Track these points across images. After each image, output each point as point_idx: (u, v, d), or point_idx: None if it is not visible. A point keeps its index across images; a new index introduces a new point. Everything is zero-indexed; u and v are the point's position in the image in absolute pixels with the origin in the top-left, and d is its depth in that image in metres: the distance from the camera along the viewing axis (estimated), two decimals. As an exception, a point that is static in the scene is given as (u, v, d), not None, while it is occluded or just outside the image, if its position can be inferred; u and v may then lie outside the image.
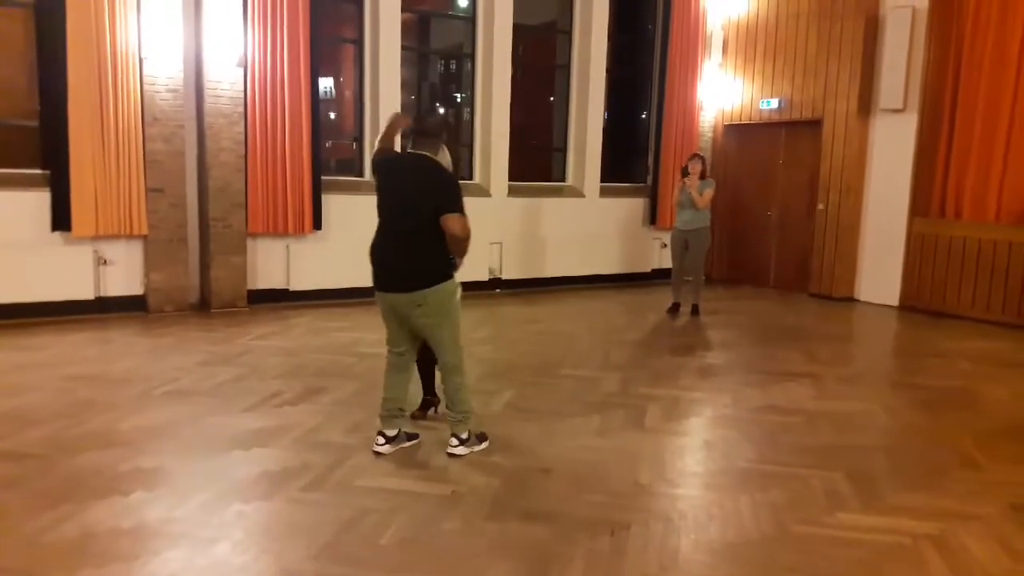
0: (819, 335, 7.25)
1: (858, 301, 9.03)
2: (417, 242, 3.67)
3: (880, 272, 8.88)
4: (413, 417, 4.31)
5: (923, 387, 5.50)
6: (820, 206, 9.29)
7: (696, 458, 4.09)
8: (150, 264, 7.10)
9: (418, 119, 3.98)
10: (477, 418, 4.13)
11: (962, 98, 8.16)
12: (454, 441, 3.88)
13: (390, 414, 3.92)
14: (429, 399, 4.48)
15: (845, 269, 9.12)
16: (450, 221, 3.60)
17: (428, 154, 3.73)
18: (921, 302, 8.50)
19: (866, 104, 8.85)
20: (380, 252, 3.78)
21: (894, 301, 8.74)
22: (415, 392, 4.26)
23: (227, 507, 3.21)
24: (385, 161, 3.86)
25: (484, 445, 3.96)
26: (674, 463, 4.00)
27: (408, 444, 3.98)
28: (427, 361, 4.27)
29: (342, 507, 3.22)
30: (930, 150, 8.43)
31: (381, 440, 3.89)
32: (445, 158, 3.85)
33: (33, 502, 3.16)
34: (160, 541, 2.90)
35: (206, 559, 2.78)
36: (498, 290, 8.97)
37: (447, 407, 3.96)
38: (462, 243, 3.68)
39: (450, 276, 3.77)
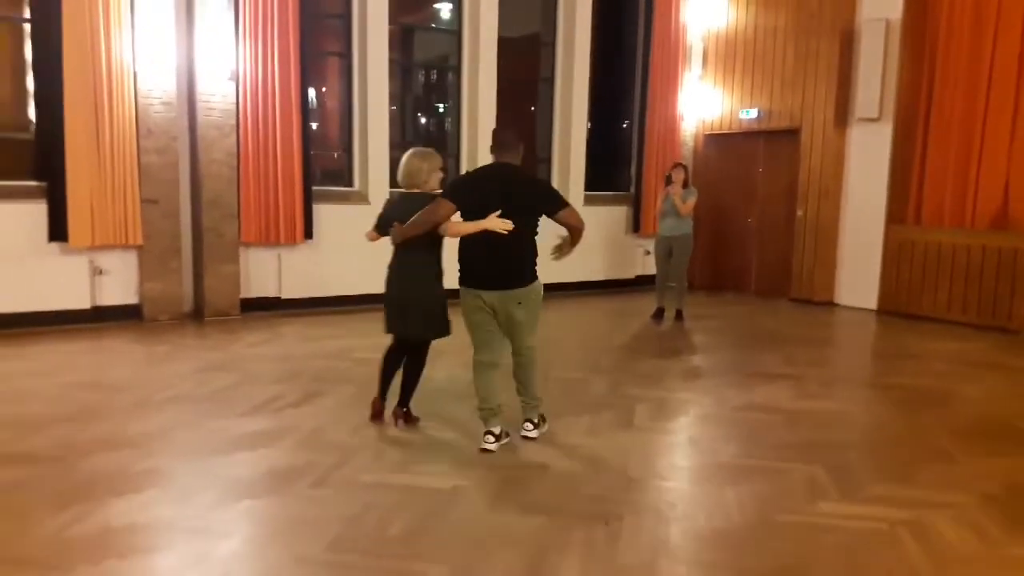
0: (799, 339, 7.49)
1: (837, 305, 9.30)
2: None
3: (858, 277, 9.15)
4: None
5: (899, 387, 5.73)
6: (799, 213, 9.56)
7: (683, 454, 4.28)
8: (145, 274, 7.20)
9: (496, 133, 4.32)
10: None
11: (936, 106, 8.47)
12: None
13: (491, 413, 4.11)
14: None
15: (824, 274, 9.39)
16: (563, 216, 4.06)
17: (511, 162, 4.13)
18: (899, 306, 8.77)
19: (842, 114, 9.14)
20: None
21: (872, 305, 9.01)
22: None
23: (237, 503, 3.34)
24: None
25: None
26: (662, 459, 4.19)
27: (505, 440, 4.15)
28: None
29: (349, 502, 3.37)
30: (905, 158, 8.73)
31: (491, 439, 4.08)
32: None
33: (52, 501, 3.28)
34: (176, 535, 3.04)
35: (223, 550, 2.92)
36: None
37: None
38: (580, 232, 4.13)
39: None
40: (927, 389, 5.64)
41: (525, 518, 3.28)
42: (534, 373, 4.25)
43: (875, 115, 8.81)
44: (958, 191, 8.30)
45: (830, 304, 9.33)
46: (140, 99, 7.03)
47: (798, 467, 3.97)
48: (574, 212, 4.10)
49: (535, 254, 4.10)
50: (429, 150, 4.39)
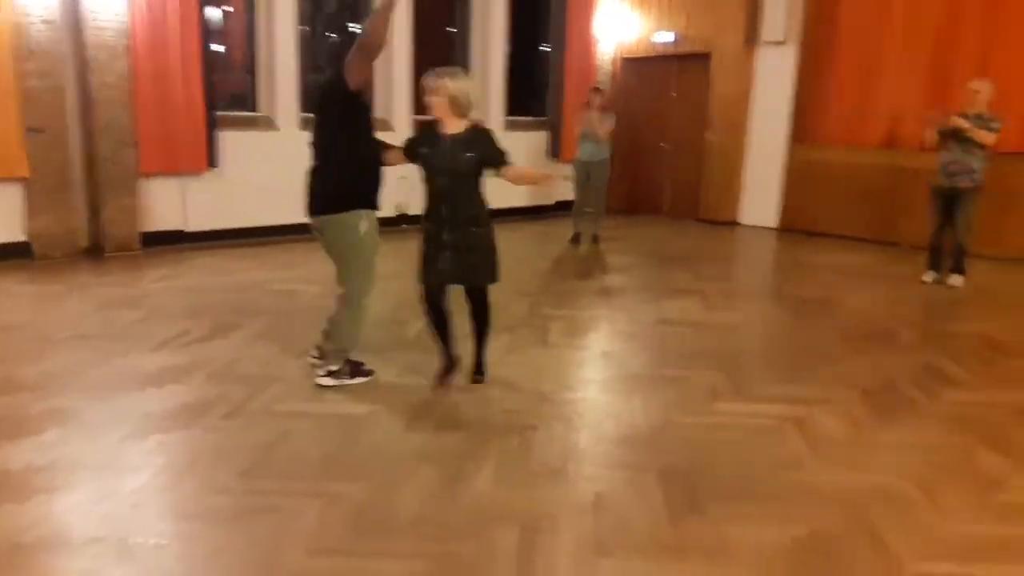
0: (706, 256, 7.79)
1: (740, 225, 9.67)
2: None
3: (762, 196, 9.51)
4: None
5: (794, 297, 6.09)
6: (709, 136, 9.77)
7: (595, 367, 4.46)
8: (32, 208, 6.76)
9: None
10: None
11: (838, 30, 8.71)
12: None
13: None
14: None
15: (729, 195, 9.71)
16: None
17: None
18: (797, 223, 9.19)
19: (751, 37, 9.28)
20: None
21: (773, 223, 9.41)
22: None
23: (147, 438, 3.29)
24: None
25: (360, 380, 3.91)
26: (574, 373, 4.35)
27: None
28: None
29: (265, 430, 3.38)
30: (808, 81, 9.00)
31: (315, 353, 4.02)
32: None
33: (-57, 445, 3.15)
34: (81, 473, 2.96)
35: (132, 484, 2.88)
36: (404, 225, 9.04)
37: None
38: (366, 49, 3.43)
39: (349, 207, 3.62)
40: (819, 299, 6.01)
41: (442, 435, 3.38)
42: (344, 319, 3.76)
43: (781, 38, 8.99)
44: (854, 113, 8.65)
45: (734, 224, 9.68)
46: (17, 16, 6.45)
47: (701, 373, 4.20)
48: (351, 66, 3.41)
49: (347, 180, 3.59)
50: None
